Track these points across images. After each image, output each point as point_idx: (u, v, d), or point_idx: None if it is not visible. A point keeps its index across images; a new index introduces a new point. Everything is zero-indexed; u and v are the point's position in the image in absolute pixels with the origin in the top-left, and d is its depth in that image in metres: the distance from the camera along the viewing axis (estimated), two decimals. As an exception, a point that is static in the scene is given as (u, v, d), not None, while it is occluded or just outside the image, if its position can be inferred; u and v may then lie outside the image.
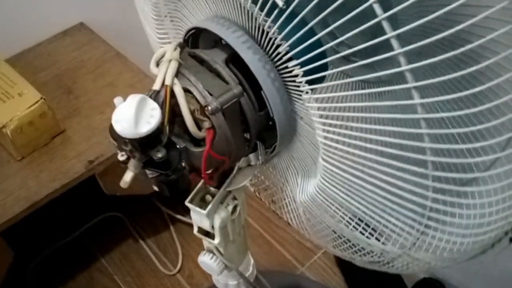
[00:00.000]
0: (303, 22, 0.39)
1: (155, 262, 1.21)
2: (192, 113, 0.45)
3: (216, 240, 0.58)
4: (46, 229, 1.19)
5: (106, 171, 0.95)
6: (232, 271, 0.65)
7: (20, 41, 1.12)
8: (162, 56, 0.48)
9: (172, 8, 0.56)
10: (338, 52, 0.40)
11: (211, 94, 0.45)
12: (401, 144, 0.38)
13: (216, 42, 0.51)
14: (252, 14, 0.44)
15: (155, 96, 0.45)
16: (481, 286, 1.00)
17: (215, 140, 0.46)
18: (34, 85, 0.94)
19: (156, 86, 0.45)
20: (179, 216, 1.24)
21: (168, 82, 0.45)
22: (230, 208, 0.57)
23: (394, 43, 0.33)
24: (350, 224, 0.50)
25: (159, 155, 0.43)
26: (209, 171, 0.49)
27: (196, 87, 0.45)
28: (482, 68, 0.33)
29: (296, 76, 0.42)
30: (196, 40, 0.53)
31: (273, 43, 0.43)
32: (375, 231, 0.48)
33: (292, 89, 0.46)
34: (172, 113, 0.45)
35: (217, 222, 0.56)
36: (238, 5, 0.45)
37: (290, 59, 0.42)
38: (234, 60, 0.47)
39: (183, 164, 0.46)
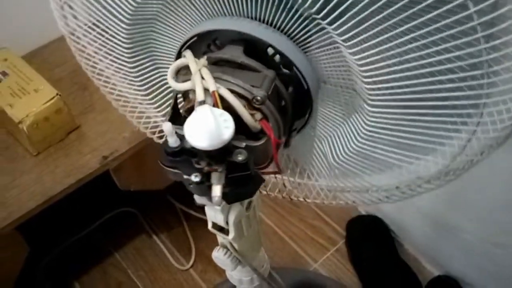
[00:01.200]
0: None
1: (168, 257, 1.21)
2: None
3: (231, 236, 0.58)
4: (60, 224, 1.21)
5: (120, 167, 0.96)
6: (245, 266, 0.65)
7: (36, 38, 1.13)
8: (178, 70, 0.48)
9: (147, 29, 0.56)
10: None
11: (253, 86, 0.45)
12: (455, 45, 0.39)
13: (209, 45, 0.51)
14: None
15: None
16: (495, 284, 1.00)
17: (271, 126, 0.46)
18: (49, 81, 0.95)
19: (200, 97, 0.44)
20: (192, 212, 1.25)
21: (213, 87, 0.44)
22: (244, 204, 0.57)
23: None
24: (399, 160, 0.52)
25: (240, 157, 0.43)
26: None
27: (237, 84, 0.46)
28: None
29: (330, 38, 0.44)
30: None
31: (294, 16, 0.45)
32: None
33: (317, 58, 0.48)
34: None
35: (231, 218, 0.56)
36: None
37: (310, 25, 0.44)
38: (247, 52, 0.48)
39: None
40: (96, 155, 0.94)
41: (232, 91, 0.46)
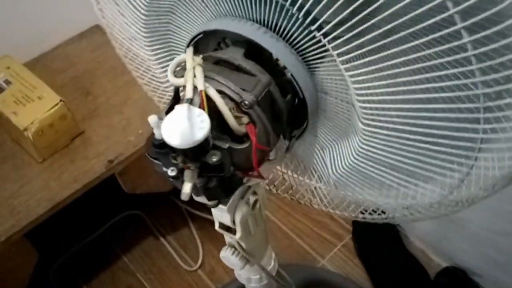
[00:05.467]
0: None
1: (176, 259, 1.22)
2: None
3: (238, 235, 0.58)
4: (68, 229, 1.21)
5: (126, 170, 0.97)
6: (254, 265, 0.66)
7: (38, 44, 1.14)
8: (178, 66, 0.48)
9: (164, 21, 0.56)
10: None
11: (243, 90, 0.46)
12: (451, 87, 0.39)
13: (219, 43, 0.51)
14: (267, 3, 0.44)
15: (188, 103, 0.45)
16: (503, 273, 1.00)
17: (257, 132, 0.46)
18: (53, 87, 0.96)
19: (189, 94, 0.45)
20: (198, 212, 1.25)
21: (201, 87, 0.45)
22: (250, 202, 0.58)
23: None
24: (395, 183, 0.51)
25: (214, 158, 0.43)
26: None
27: (227, 86, 0.46)
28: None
29: (327, 50, 0.43)
30: (196, 46, 0.53)
31: (294, 24, 0.45)
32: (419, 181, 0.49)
33: (317, 67, 0.47)
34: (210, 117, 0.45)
35: (238, 217, 0.56)
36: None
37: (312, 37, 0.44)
38: (250, 54, 0.48)
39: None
40: (102, 160, 0.94)
41: (222, 92, 0.46)
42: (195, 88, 0.45)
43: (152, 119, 0.43)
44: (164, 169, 0.45)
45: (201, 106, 0.44)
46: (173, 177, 0.44)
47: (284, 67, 0.48)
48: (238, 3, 0.48)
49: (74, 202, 0.92)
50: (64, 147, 0.97)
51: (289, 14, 0.45)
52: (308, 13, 0.42)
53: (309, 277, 1.13)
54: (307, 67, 0.48)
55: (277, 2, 0.44)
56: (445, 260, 1.11)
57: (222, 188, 0.47)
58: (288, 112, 0.50)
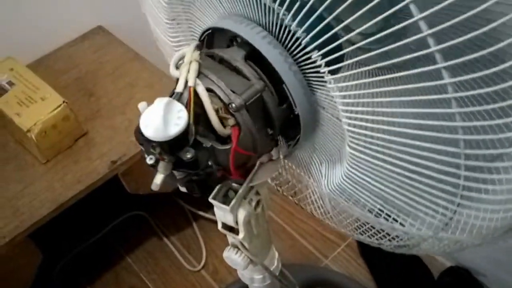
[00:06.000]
0: (321, 17, 0.40)
1: (179, 259, 1.22)
2: (216, 111, 0.46)
3: (241, 235, 0.58)
4: (71, 229, 1.22)
5: (129, 171, 0.97)
6: (257, 265, 0.66)
7: (41, 46, 1.15)
8: (181, 59, 0.48)
9: (184, 10, 0.56)
10: (352, 43, 0.41)
11: (234, 92, 0.46)
12: (431, 126, 0.38)
13: (231, 40, 0.51)
14: (270, 9, 0.44)
15: (178, 98, 0.45)
16: (506, 273, 1.00)
17: (241, 136, 0.46)
18: (56, 89, 0.96)
19: (179, 88, 0.45)
20: (201, 213, 1.26)
21: (191, 83, 0.45)
22: (253, 203, 0.57)
23: (422, 25, 0.33)
24: (382, 214, 0.50)
25: (188, 155, 0.44)
26: (237, 167, 0.50)
27: (218, 86, 0.46)
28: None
29: (319, 66, 0.42)
30: (211, 40, 0.53)
31: (293, 37, 0.44)
32: (405, 216, 0.48)
33: (314, 81, 0.46)
34: (197, 113, 0.46)
35: (241, 217, 0.56)
36: (255, 2, 0.46)
37: (308, 52, 0.43)
38: (253, 57, 0.47)
39: (210, 162, 0.47)
40: (105, 160, 0.94)
41: (212, 91, 0.46)
42: (187, 83, 0.46)
43: (141, 105, 0.45)
44: (145, 155, 0.46)
45: (188, 102, 0.45)
46: (151, 165, 0.46)
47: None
48: (245, 6, 0.48)
49: (77, 203, 0.92)
50: (67, 148, 0.97)
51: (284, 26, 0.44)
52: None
53: (313, 277, 1.13)
54: (305, 78, 0.47)
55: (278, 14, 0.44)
56: (449, 260, 1.11)
57: (198, 184, 0.48)
58: (283, 120, 0.50)
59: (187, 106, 0.45)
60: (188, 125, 0.44)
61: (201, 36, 0.53)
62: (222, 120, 0.46)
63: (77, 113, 0.97)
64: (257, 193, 0.58)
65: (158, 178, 0.45)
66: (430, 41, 0.34)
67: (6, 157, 0.97)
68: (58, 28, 1.16)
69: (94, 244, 1.24)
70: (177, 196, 1.27)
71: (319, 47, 0.42)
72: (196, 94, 0.45)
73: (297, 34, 0.43)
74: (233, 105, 0.45)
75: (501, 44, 0.33)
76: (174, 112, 0.43)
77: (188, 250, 1.24)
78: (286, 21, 0.43)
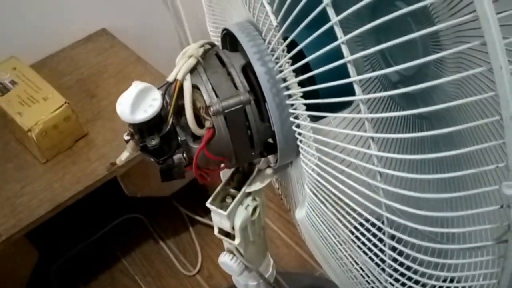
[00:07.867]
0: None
1: (175, 263, 1.22)
2: (198, 110, 0.47)
3: (237, 241, 0.59)
4: (68, 230, 1.22)
5: (128, 173, 0.97)
6: (252, 271, 0.66)
7: (45, 47, 1.15)
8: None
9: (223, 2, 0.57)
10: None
11: (217, 96, 0.46)
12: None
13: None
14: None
15: (167, 87, 0.46)
16: None
17: (213, 140, 0.47)
18: (58, 89, 0.96)
19: (170, 78, 0.47)
20: (198, 217, 1.26)
21: (179, 76, 0.46)
22: (250, 209, 0.58)
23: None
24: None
25: (153, 142, 0.45)
26: (204, 169, 0.50)
27: (205, 86, 0.47)
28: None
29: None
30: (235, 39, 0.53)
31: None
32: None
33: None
34: (182, 106, 0.46)
35: (237, 223, 0.57)
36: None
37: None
38: (251, 68, 0.47)
39: (184, 155, 0.48)
40: (104, 162, 0.95)
41: (198, 89, 0.47)
42: None
43: (135, 82, 0.46)
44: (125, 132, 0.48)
45: (173, 93, 0.46)
46: (125, 140, 0.48)
47: None
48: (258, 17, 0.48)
49: (75, 204, 0.92)
50: (67, 148, 0.97)
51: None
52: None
53: (307, 285, 1.13)
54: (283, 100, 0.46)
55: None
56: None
57: (161, 172, 0.49)
58: (266, 137, 0.50)
59: (172, 96, 0.46)
60: (160, 114, 0.45)
61: (222, 33, 0.53)
62: (201, 120, 0.47)
63: (78, 114, 0.97)
64: (254, 199, 0.59)
65: (124, 155, 0.48)
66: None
67: (7, 156, 0.97)
68: (63, 29, 1.17)
69: (90, 245, 1.24)
70: (175, 200, 1.27)
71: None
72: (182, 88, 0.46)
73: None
74: (212, 108, 0.45)
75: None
76: (147, 99, 0.45)
77: (184, 254, 1.24)
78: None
